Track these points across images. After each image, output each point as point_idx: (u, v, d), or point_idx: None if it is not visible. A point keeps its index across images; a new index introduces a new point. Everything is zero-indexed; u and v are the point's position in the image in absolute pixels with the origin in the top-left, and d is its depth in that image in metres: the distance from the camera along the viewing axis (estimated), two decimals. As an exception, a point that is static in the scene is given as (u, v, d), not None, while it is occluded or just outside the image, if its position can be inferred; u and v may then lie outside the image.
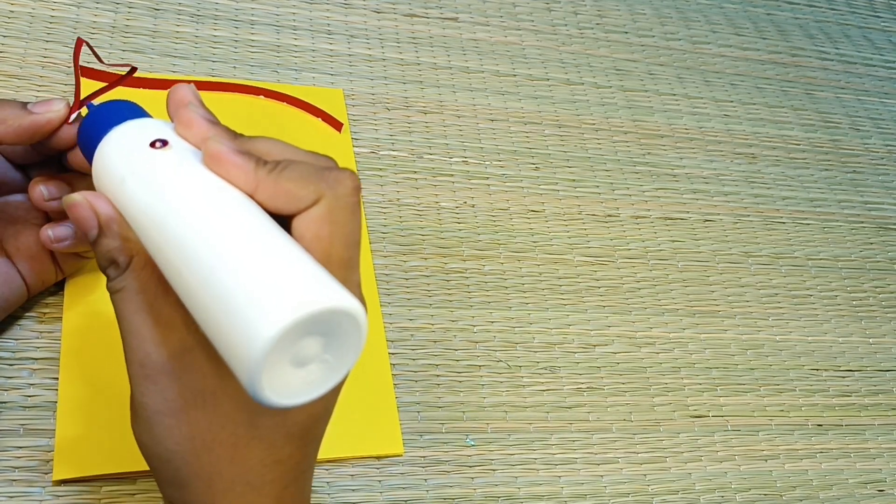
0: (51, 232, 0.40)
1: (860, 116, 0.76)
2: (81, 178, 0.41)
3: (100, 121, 0.35)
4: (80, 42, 0.37)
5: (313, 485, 0.45)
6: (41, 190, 0.39)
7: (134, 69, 0.41)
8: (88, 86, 0.53)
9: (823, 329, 0.61)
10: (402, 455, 0.47)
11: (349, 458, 0.46)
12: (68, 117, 0.38)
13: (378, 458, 0.47)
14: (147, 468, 0.42)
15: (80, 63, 0.54)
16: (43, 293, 0.45)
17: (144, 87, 0.55)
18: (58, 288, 0.46)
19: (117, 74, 0.54)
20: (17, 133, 0.37)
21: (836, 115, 0.75)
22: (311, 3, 0.64)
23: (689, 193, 0.65)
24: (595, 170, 0.64)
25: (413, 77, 0.63)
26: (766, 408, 0.56)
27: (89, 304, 0.46)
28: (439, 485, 0.47)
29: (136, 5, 0.59)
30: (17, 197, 0.42)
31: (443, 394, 0.50)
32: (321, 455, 0.45)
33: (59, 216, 0.41)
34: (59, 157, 0.41)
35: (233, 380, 0.30)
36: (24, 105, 0.38)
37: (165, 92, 0.54)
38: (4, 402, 0.43)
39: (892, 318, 0.64)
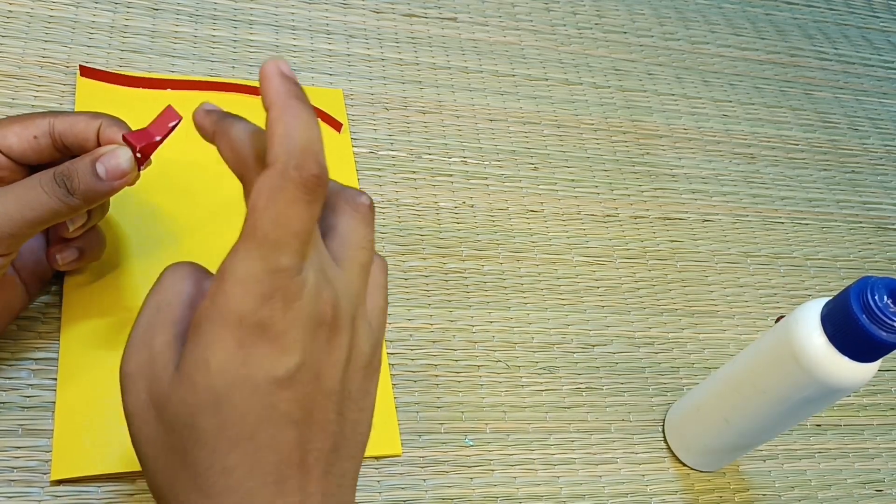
0: (59, 256, 0.42)
1: (858, 116, 0.76)
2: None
3: None
4: (173, 115, 0.39)
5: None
6: (66, 222, 0.41)
7: (180, 119, 0.40)
8: (89, 85, 0.53)
9: (822, 329, 0.61)
10: (400, 455, 0.47)
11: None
12: (139, 173, 0.39)
13: (377, 458, 0.47)
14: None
15: (83, 65, 0.54)
16: (42, 293, 0.45)
17: (143, 87, 0.55)
18: (57, 288, 0.46)
19: (117, 74, 0.54)
20: (97, 203, 0.39)
21: (835, 115, 0.76)
22: (309, 3, 0.64)
23: (687, 193, 0.65)
24: (594, 170, 0.64)
25: (412, 77, 0.63)
26: (765, 408, 0.56)
27: (88, 304, 0.46)
28: (438, 485, 0.47)
29: (134, 5, 0.59)
30: None
31: (442, 394, 0.50)
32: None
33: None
34: (64, 157, 0.41)
35: (175, 382, 0.30)
36: (94, 170, 0.38)
37: (163, 92, 0.54)
38: (4, 403, 0.43)
39: (890, 319, 0.64)
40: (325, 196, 0.30)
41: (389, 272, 0.53)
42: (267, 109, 0.30)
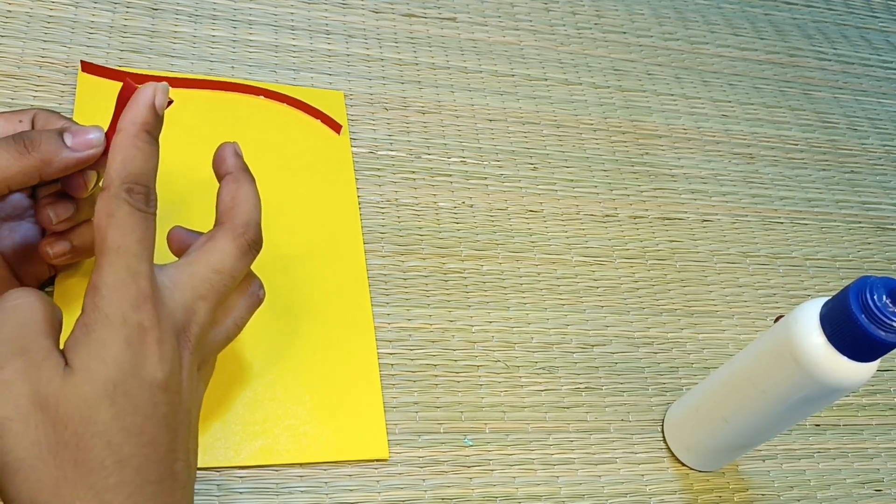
0: (49, 249, 0.41)
1: (858, 116, 0.76)
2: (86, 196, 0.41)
3: None
4: (130, 87, 0.37)
5: (312, 485, 0.45)
6: (49, 214, 0.40)
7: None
8: (91, 81, 0.53)
9: (821, 329, 0.61)
10: (387, 459, 0.47)
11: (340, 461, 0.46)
12: (107, 149, 0.38)
13: (366, 461, 0.46)
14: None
15: (86, 61, 0.54)
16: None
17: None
18: (51, 289, 0.46)
19: (119, 70, 0.54)
20: (61, 171, 0.38)
21: (834, 115, 0.76)
22: (309, 3, 0.64)
23: (687, 193, 0.65)
24: (593, 170, 0.64)
25: (411, 77, 0.63)
26: (764, 408, 0.56)
27: (78, 305, 0.45)
28: (437, 485, 0.47)
29: (134, 5, 0.59)
30: (16, 196, 0.42)
31: (441, 394, 0.50)
32: (310, 458, 0.45)
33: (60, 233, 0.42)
34: None
35: (68, 378, 0.31)
36: (60, 136, 0.37)
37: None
38: None
39: (889, 319, 0.64)
40: (155, 209, 0.34)
41: (389, 272, 0.53)
42: (116, 132, 0.34)
